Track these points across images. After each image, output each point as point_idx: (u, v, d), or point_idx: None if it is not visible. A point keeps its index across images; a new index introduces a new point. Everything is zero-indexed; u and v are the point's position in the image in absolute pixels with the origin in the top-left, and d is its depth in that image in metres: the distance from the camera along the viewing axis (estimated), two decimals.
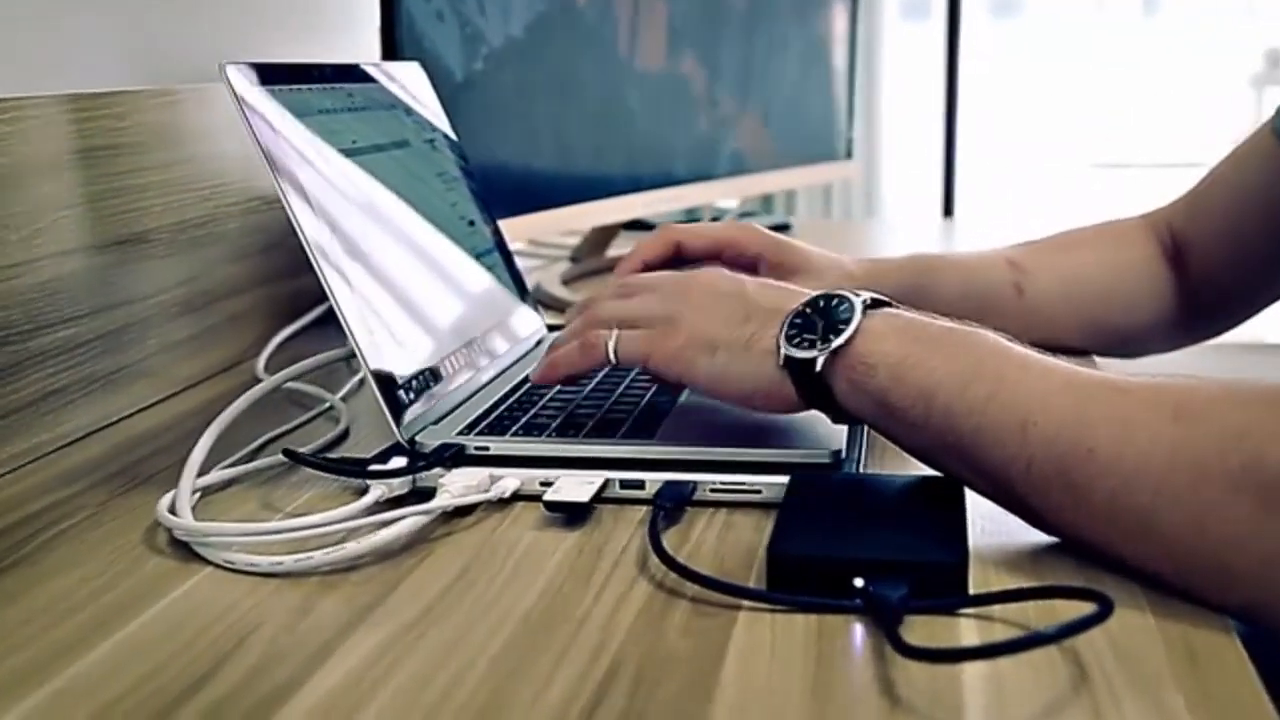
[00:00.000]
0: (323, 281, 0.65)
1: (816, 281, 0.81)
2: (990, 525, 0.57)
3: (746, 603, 0.50)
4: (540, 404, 0.72)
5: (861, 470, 0.65)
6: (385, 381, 0.67)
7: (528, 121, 1.08)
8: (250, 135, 0.64)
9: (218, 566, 0.56)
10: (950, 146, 2.14)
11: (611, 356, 0.64)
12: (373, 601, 0.52)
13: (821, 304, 0.60)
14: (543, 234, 1.20)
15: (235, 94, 0.65)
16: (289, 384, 0.86)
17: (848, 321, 0.58)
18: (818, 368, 0.58)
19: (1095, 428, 0.51)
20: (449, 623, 0.50)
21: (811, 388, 0.59)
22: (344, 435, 0.76)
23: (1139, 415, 0.51)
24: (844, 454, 0.63)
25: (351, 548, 0.55)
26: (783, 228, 1.67)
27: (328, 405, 0.82)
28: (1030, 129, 3.50)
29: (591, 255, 1.34)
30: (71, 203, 0.76)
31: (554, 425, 0.68)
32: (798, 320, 0.60)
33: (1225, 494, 0.47)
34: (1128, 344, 0.91)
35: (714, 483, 0.62)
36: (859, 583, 0.49)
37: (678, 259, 0.85)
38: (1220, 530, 0.48)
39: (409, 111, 0.85)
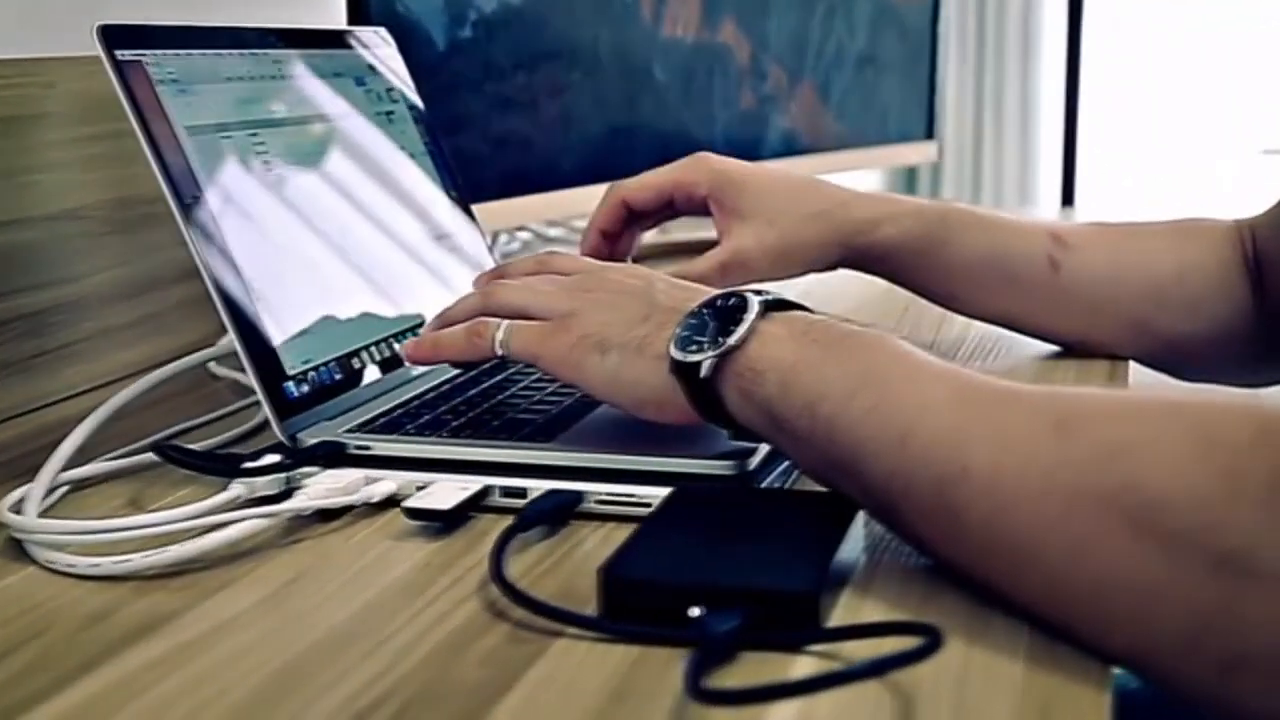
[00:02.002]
0: (196, 261, 0.64)
1: (768, 233, 0.78)
2: (889, 550, 0.54)
3: (572, 630, 0.48)
4: (458, 400, 0.71)
5: (789, 486, 0.62)
6: (267, 372, 0.66)
7: (528, 95, 1.06)
8: (126, 104, 0.64)
9: (41, 567, 0.56)
10: (1071, 127, 2.06)
11: (498, 349, 0.63)
12: (178, 609, 0.51)
13: (719, 303, 0.58)
14: (546, 217, 1.19)
15: (111, 59, 0.64)
16: (237, 375, 0.86)
17: (741, 323, 0.55)
18: (703, 374, 0.55)
19: (973, 443, 0.48)
20: (241, 638, 0.48)
21: (702, 397, 0.56)
22: (261, 428, 0.76)
23: (1019, 428, 0.47)
24: (753, 467, 0.60)
25: (173, 551, 0.54)
26: None
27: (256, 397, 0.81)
28: (1191, 109, 3.36)
29: None
30: None
31: (455, 424, 0.66)
32: (692, 321, 0.58)
33: (1101, 519, 0.44)
34: (1182, 358, 0.83)
35: (601, 494, 0.59)
36: (695, 612, 0.46)
37: (635, 219, 0.84)
38: (1096, 561, 0.44)
39: (361, 81, 0.84)
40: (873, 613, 0.49)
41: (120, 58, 0.65)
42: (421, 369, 0.76)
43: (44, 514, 0.61)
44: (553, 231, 1.42)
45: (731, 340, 0.55)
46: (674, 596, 0.47)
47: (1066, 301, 0.82)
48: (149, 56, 0.67)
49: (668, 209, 0.85)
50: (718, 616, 0.46)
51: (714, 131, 1.26)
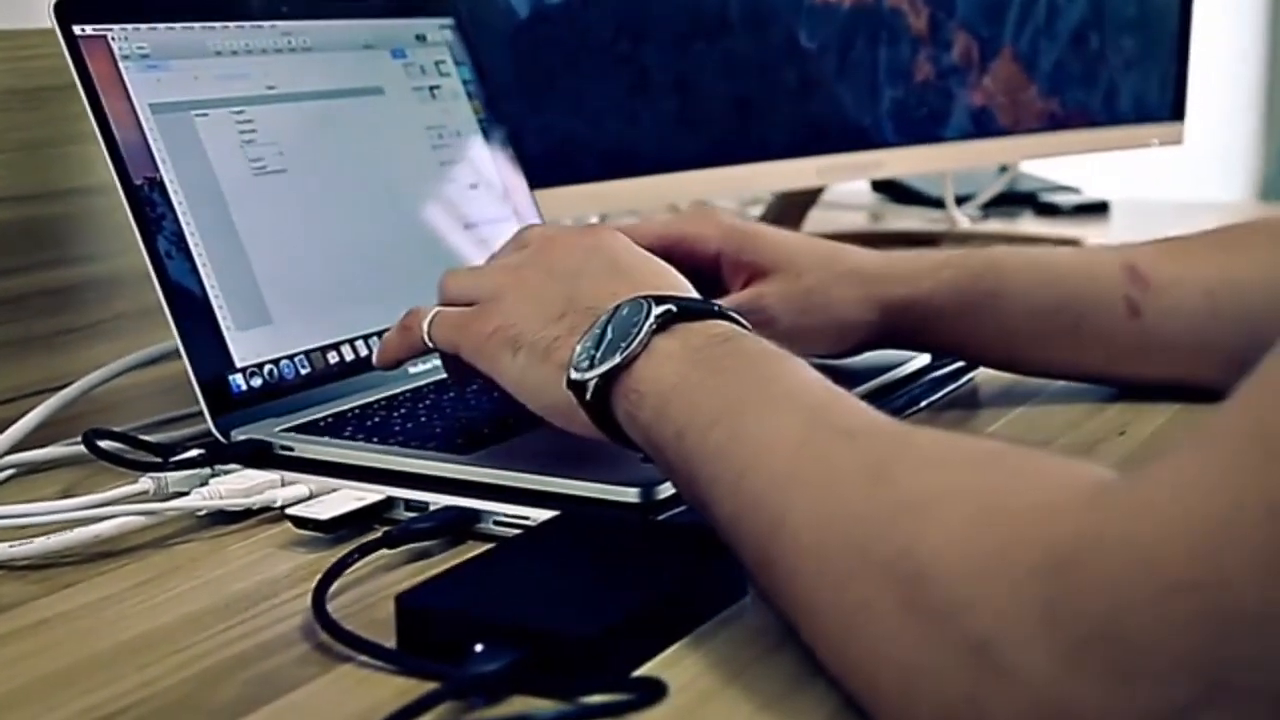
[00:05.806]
0: (138, 242, 0.70)
1: (795, 284, 0.76)
2: None
3: (364, 658, 0.51)
4: (428, 402, 0.74)
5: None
6: (207, 362, 0.71)
7: (633, 67, 1.08)
8: (77, 80, 0.70)
9: None
10: None
11: (426, 340, 0.65)
12: (10, 604, 0.56)
13: (624, 311, 0.58)
14: (659, 202, 1.20)
15: (66, 33, 0.71)
16: None
17: (632, 337, 0.56)
18: (588, 395, 0.57)
19: (798, 488, 0.47)
20: (41, 638, 0.53)
21: (598, 416, 0.58)
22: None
23: (843, 472, 0.47)
24: (664, 496, 0.60)
25: (37, 544, 0.60)
26: (1098, 206, 1.58)
27: None
28: None
29: None
30: (3, 147, 0.85)
31: (396, 429, 0.69)
32: (596, 330, 0.58)
33: (877, 585, 0.43)
34: None
35: (499, 514, 0.62)
36: (479, 649, 0.48)
37: None
38: (866, 633, 0.43)
39: (401, 53, 0.88)
40: (694, 666, 0.50)
41: (80, 33, 0.71)
42: (421, 365, 0.79)
43: None
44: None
45: (616, 358, 0.56)
46: (459, 630, 0.49)
47: (1149, 349, 0.76)
48: (116, 30, 0.73)
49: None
50: (490, 655, 0.47)
51: (878, 109, 1.24)
